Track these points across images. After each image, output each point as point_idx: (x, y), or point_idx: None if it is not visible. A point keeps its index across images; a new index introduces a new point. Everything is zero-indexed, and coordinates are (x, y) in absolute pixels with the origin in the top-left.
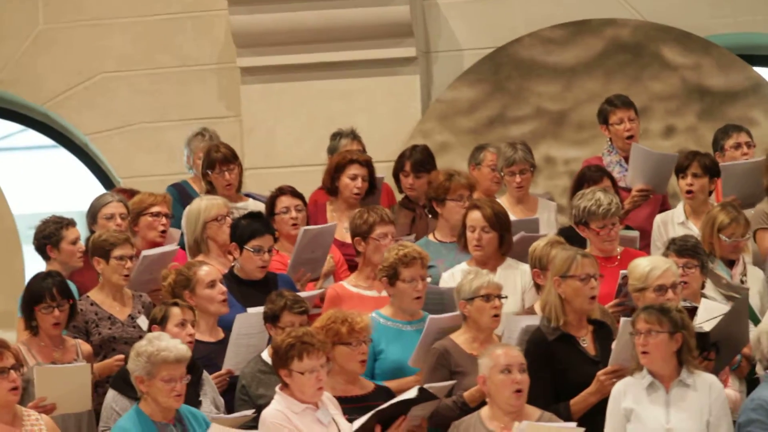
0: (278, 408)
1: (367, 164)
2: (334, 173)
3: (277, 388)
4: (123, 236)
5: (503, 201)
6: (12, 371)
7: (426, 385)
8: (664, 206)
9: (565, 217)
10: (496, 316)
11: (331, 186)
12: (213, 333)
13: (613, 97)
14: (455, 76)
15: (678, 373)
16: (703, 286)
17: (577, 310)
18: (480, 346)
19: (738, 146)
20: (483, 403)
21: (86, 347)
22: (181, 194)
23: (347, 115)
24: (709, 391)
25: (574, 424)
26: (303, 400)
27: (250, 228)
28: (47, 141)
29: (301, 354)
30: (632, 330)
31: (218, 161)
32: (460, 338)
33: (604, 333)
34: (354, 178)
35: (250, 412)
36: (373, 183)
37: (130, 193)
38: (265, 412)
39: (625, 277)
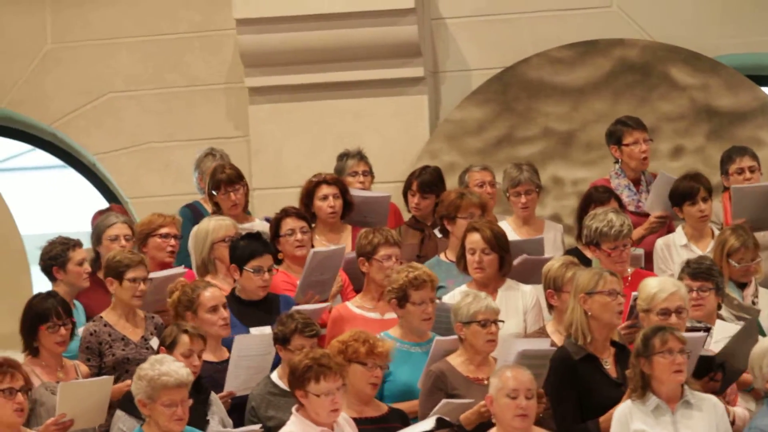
0: (293, 430)
1: (336, 182)
2: (306, 200)
3: (293, 409)
4: (137, 258)
5: (509, 222)
6: (19, 393)
7: (445, 401)
8: (670, 228)
9: (572, 238)
10: (491, 341)
11: (307, 213)
12: (217, 353)
13: (626, 118)
14: (463, 96)
15: (682, 393)
16: (719, 308)
17: (604, 326)
18: (476, 369)
19: (741, 171)
20: (480, 426)
21: (84, 369)
22: (195, 214)
23: (355, 135)
24: (714, 411)
25: None
26: (319, 423)
27: (249, 248)
28: (55, 161)
29: (318, 377)
30: (657, 350)
31: (223, 182)
32: (456, 360)
33: (625, 356)
34: (325, 198)
35: (257, 427)
36: (347, 199)
37: (113, 208)
38: None
39: (636, 299)
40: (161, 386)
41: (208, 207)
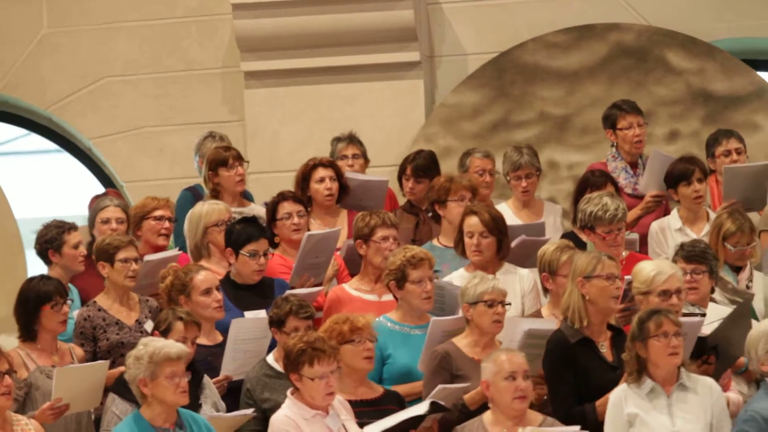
0: (287, 414)
1: (331, 165)
2: (302, 183)
3: (288, 392)
4: (126, 239)
5: (509, 205)
6: (6, 376)
7: (441, 386)
8: (667, 211)
9: (569, 222)
10: (498, 321)
11: (303, 196)
12: (210, 336)
13: (621, 102)
14: (459, 80)
15: (678, 376)
16: (712, 291)
17: (601, 311)
18: (482, 351)
19: (728, 153)
20: (483, 407)
21: (79, 352)
22: (196, 197)
23: (351, 119)
24: (710, 393)
25: (577, 428)
26: (313, 406)
27: (245, 233)
28: (51, 145)
29: (312, 360)
30: (652, 333)
31: (231, 157)
32: (462, 342)
33: (621, 339)
34: (321, 180)
35: (249, 411)
36: (342, 183)
37: (109, 193)
38: (274, 418)
39: (630, 282)
40: (164, 358)
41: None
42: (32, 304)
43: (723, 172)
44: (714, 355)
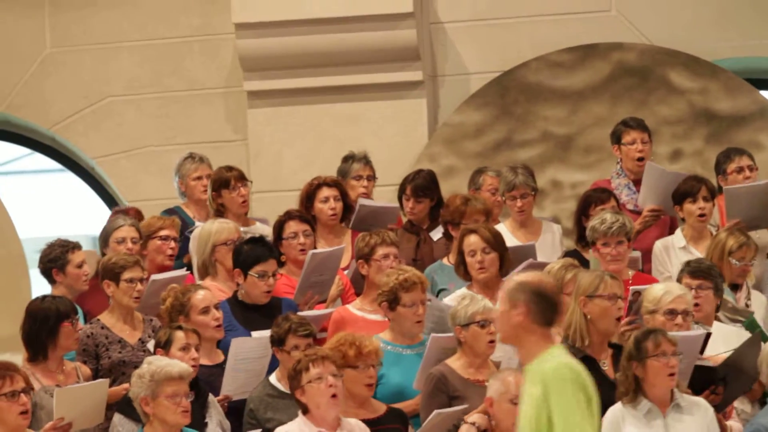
0: (288, 429)
1: (336, 184)
2: (306, 203)
3: (299, 412)
4: (133, 259)
5: (507, 225)
6: (22, 394)
7: (437, 412)
8: (673, 228)
9: (571, 241)
10: (492, 342)
11: (308, 215)
12: (211, 356)
13: (628, 119)
14: (462, 99)
15: (672, 397)
16: (717, 309)
17: (602, 331)
18: (476, 371)
19: (740, 170)
20: None
21: (86, 370)
22: None
23: (354, 138)
24: (704, 415)
25: None
26: (321, 422)
27: (254, 253)
28: (54, 165)
29: (308, 366)
30: (650, 353)
31: (234, 178)
32: (456, 363)
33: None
34: (325, 200)
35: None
36: (347, 202)
37: (130, 213)
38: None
39: (635, 293)
40: (164, 377)
41: (190, 212)
42: (53, 321)
43: (724, 193)
44: (722, 386)
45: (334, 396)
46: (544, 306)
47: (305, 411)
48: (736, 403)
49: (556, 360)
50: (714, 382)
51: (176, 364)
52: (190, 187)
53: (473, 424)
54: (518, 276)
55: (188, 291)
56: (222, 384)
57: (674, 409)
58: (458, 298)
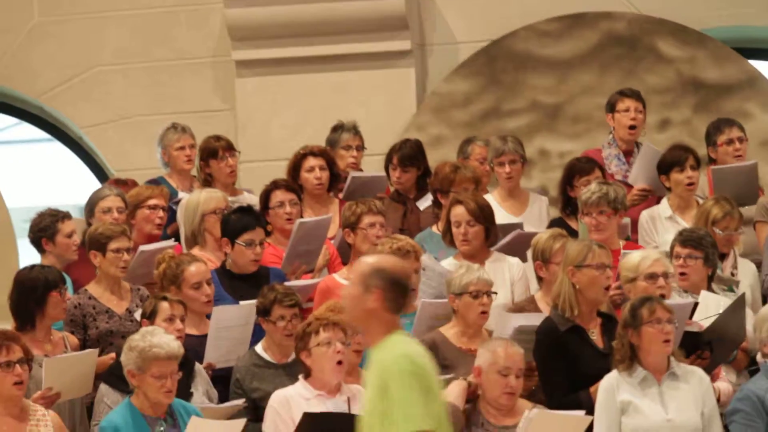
0: (285, 393)
1: (322, 154)
2: (293, 172)
3: (300, 376)
4: (119, 229)
5: (494, 195)
6: (17, 365)
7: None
8: (658, 201)
9: (557, 210)
10: (484, 312)
11: (295, 185)
12: (200, 326)
13: (625, 89)
14: (450, 69)
15: (668, 365)
16: (711, 279)
17: (590, 301)
18: (469, 341)
19: (730, 142)
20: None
21: (73, 340)
22: None
23: (342, 108)
24: (699, 383)
25: (582, 412)
26: (322, 385)
27: (241, 222)
28: (42, 134)
29: (318, 329)
30: (645, 320)
31: (221, 148)
32: (450, 332)
33: (612, 326)
34: (311, 170)
35: (240, 402)
36: (334, 171)
37: (129, 183)
38: (273, 394)
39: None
40: (152, 357)
41: (173, 182)
42: (41, 290)
43: (711, 173)
44: (709, 350)
45: (339, 363)
46: (398, 294)
47: (307, 375)
48: (723, 373)
49: (395, 350)
50: (700, 347)
51: (166, 345)
52: (173, 158)
53: (465, 379)
54: (373, 258)
55: (182, 262)
56: (204, 352)
57: (670, 377)
58: (456, 265)
